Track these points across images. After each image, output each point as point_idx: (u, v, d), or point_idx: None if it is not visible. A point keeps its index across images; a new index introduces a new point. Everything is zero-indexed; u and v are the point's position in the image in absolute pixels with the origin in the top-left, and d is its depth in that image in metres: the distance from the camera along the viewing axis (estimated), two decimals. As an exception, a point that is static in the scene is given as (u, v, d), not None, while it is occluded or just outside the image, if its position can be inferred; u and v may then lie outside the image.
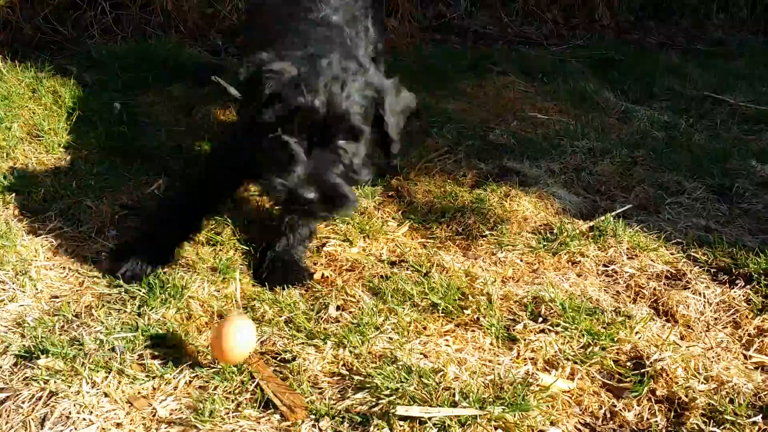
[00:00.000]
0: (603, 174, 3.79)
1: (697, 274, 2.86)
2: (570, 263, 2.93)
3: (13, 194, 3.01)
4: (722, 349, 2.47)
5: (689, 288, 2.75)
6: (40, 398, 2.05)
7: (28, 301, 2.46)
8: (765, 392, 2.21)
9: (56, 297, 2.51)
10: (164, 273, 2.60)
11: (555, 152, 3.95)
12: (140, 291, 2.51)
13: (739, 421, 2.08)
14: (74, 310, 2.42)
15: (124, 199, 3.08)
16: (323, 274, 2.77)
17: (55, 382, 2.08)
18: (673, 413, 2.15)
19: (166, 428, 2.01)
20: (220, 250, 2.85)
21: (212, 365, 2.22)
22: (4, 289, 2.50)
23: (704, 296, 2.70)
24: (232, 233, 2.94)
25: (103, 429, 1.99)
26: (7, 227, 2.78)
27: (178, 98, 3.98)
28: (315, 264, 2.84)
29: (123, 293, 2.52)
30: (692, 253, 3.00)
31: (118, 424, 2.00)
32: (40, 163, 3.26)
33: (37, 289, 2.52)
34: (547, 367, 2.31)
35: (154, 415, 2.05)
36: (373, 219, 3.16)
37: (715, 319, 2.61)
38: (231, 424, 2.02)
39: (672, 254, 2.99)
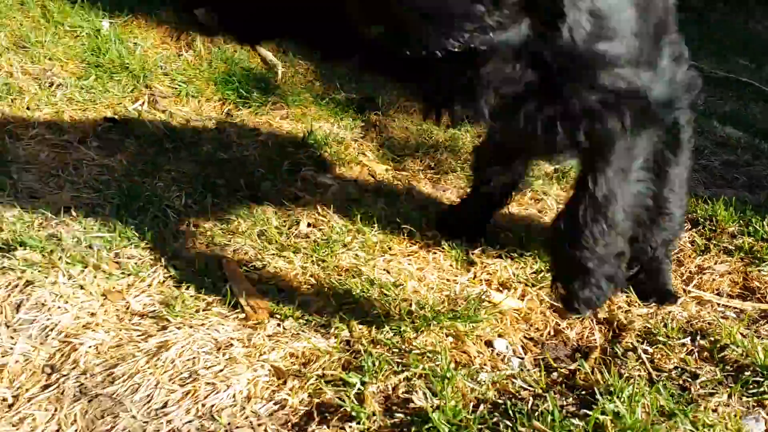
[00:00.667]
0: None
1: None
2: (533, 200, 3.07)
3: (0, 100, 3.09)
4: (666, 284, 2.64)
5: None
6: (16, 286, 2.15)
7: (8, 199, 2.56)
8: (696, 320, 2.39)
9: (35, 197, 2.61)
10: (142, 182, 2.71)
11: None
12: (117, 196, 2.62)
13: (669, 342, 2.25)
14: (53, 210, 2.52)
15: (107, 113, 3.17)
16: (297, 195, 2.89)
17: (32, 272, 2.19)
18: (611, 333, 2.32)
19: (138, 320, 2.14)
20: (199, 165, 2.96)
21: (186, 268, 2.35)
22: (-13, 187, 2.59)
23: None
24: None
25: (77, 317, 2.10)
26: (-7, 130, 2.87)
27: (165, 22, 4.02)
28: (290, 186, 2.96)
29: (101, 198, 2.62)
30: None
31: (92, 314, 2.12)
32: (25, 72, 3.32)
33: (17, 189, 2.62)
34: (501, 289, 2.46)
35: (127, 308, 2.18)
36: (350, 149, 3.27)
37: (663, 257, 2.78)
38: (200, 319, 2.15)
39: (630, 198, 3.14)
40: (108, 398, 1.87)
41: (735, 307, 2.57)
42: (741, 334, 2.31)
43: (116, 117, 3.17)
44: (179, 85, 3.58)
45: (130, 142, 3.05)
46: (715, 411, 1.99)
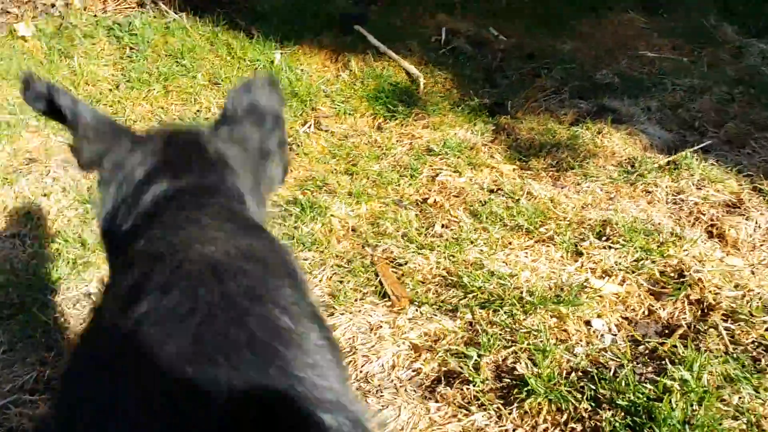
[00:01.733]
0: (700, 110, 4.17)
1: (756, 203, 3.29)
2: (644, 192, 3.45)
3: (201, 134, 3.92)
4: (762, 265, 2.95)
5: (744, 214, 3.20)
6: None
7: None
8: (782, 300, 2.71)
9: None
10: (312, 195, 3.42)
11: (655, 90, 4.36)
12: (295, 209, 3.34)
13: (752, 320, 2.60)
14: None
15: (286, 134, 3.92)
16: (435, 199, 3.48)
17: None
18: (699, 312, 2.71)
19: (312, 307, 2.84)
20: (355, 178, 3.62)
21: (347, 266, 3.02)
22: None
23: (757, 222, 3.15)
24: (365, 164, 3.70)
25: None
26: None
27: (326, 46, 4.73)
28: (429, 191, 3.55)
29: (283, 211, 3.36)
30: (758, 185, 3.42)
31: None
32: (219, 107, 4.15)
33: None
34: (603, 276, 2.91)
35: (304, 299, 2.88)
36: (480, 153, 3.80)
37: (763, 241, 3.07)
38: (357, 306, 2.81)
39: (739, 185, 3.42)
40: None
41: (830, 286, 2.84)
42: (824, 311, 2.61)
43: (290, 141, 3.91)
44: (338, 105, 4.27)
45: (301, 161, 3.77)
46: (780, 379, 2.35)
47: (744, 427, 2.20)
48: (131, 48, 4.57)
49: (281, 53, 4.63)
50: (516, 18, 5.31)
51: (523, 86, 4.39)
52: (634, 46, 4.98)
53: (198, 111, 4.13)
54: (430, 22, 5.10)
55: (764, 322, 2.61)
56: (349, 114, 4.22)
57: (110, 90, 4.26)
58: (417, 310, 2.79)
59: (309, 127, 4.06)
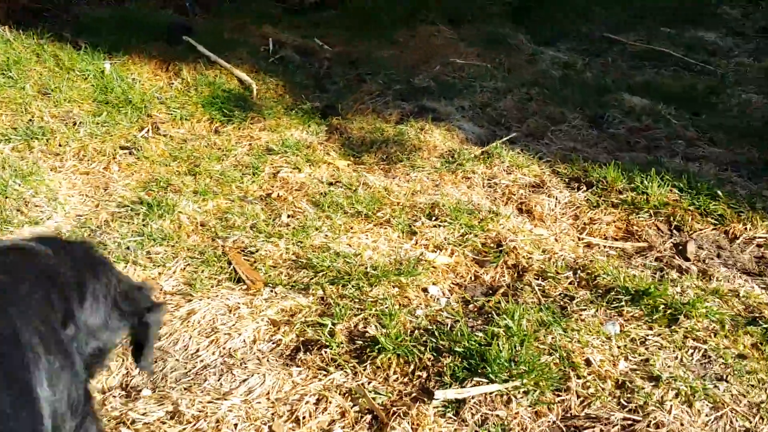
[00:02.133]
0: (504, 109, 4.74)
1: (555, 183, 3.85)
2: (464, 179, 3.90)
3: (35, 141, 3.89)
4: (563, 234, 3.47)
5: (546, 193, 3.73)
6: (81, 282, 2.98)
7: (60, 218, 3.38)
8: (581, 259, 3.23)
9: (80, 215, 3.43)
10: (158, 195, 3.53)
11: (467, 92, 4.88)
12: (143, 208, 3.44)
13: (558, 277, 3.08)
14: (95, 224, 3.34)
15: (121, 142, 3.98)
16: (278, 194, 3.71)
17: (90, 271, 3.02)
18: (516, 274, 3.16)
19: (170, 297, 2.97)
20: (199, 178, 3.77)
21: (200, 257, 3.18)
22: (42, 211, 3.41)
23: (557, 198, 3.69)
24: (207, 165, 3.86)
25: (127, 300, 2.93)
26: (36, 166, 3.68)
27: (156, 56, 4.81)
28: (272, 186, 3.77)
29: (130, 211, 3.45)
30: (556, 168, 3.99)
31: (137, 296, 2.95)
32: (52, 116, 4.12)
33: (65, 211, 3.44)
34: (435, 250, 3.29)
35: (161, 290, 3.01)
36: (317, 151, 4.09)
37: (562, 213, 3.61)
38: (214, 292, 2.98)
39: (541, 169, 3.97)
40: (157, 350, 2.70)
41: (617, 247, 3.41)
42: (613, 266, 3.15)
43: (128, 145, 3.97)
44: (173, 111, 4.38)
45: (142, 164, 3.86)
46: (583, 321, 2.83)
47: (557, 360, 2.63)
48: (-52, 59, 4.40)
49: (111, 63, 4.66)
50: (337, 29, 5.68)
51: (350, 90, 4.75)
52: (445, 54, 5.50)
53: (30, 120, 4.07)
54: (257, 33, 5.33)
55: (567, 278, 3.11)
56: (186, 119, 4.34)
57: (-72, 101, 4.08)
58: (272, 291, 3.00)
59: (147, 132, 4.14)
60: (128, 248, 3.19)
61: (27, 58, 4.51)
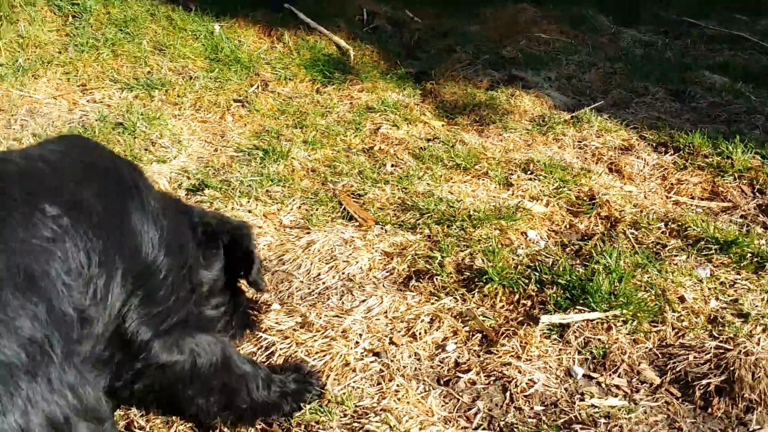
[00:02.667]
0: (589, 80, 4.92)
1: (643, 147, 4.03)
2: (554, 140, 4.10)
3: (155, 91, 4.23)
4: (651, 192, 3.65)
5: (635, 155, 3.92)
6: (208, 213, 3.29)
7: (184, 158, 3.70)
8: (671, 213, 3.41)
9: (201, 157, 3.74)
10: (270, 144, 3.82)
11: (552, 64, 5.08)
12: (259, 153, 3.73)
13: (650, 227, 3.28)
14: (217, 165, 3.65)
15: (234, 96, 4.29)
16: (380, 147, 3.97)
17: (217, 203, 3.33)
18: (609, 224, 3.36)
19: (290, 230, 3.26)
20: (306, 131, 4.05)
21: (313, 197, 3.45)
22: (167, 151, 3.73)
23: (645, 160, 3.87)
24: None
25: (250, 231, 3.22)
26: (160, 113, 4.01)
27: (260, 22, 5.12)
28: (373, 141, 4.03)
29: (247, 155, 3.75)
30: (643, 134, 4.16)
31: (260, 227, 3.25)
32: (169, 69, 4.46)
33: (188, 152, 3.76)
34: (531, 200, 3.51)
35: (281, 223, 3.29)
36: (414, 111, 4.34)
37: (650, 174, 3.79)
38: (329, 227, 3.26)
39: (628, 134, 4.16)
40: (282, 272, 2.99)
41: (703, 206, 3.58)
42: (702, 219, 3.33)
43: (241, 99, 4.28)
44: (278, 71, 4.68)
45: (254, 116, 4.16)
46: (675, 264, 3.03)
47: (653, 296, 2.83)
48: (74, 16, 4.77)
49: (220, 26, 4.98)
50: (426, 4, 5.91)
51: (441, 59, 4.98)
52: (530, 30, 5.70)
53: (149, 72, 4.41)
54: (352, 4, 5.60)
55: (659, 228, 3.30)
56: (289, 79, 4.64)
57: (59, 52, 4.45)
58: (382, 228, 3.26)
59: (257, 88, 4.44)
60: (250, 185, 3.49)
61: (142, 17, 4.86)
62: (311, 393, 2.35)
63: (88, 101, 4.11)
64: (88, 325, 1.56)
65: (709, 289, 2.93)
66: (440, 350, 2.62)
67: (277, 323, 2.71)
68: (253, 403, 2.21)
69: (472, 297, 2.85)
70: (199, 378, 2.02)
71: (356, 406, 2.32)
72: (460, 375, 2.52)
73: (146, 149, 3.73)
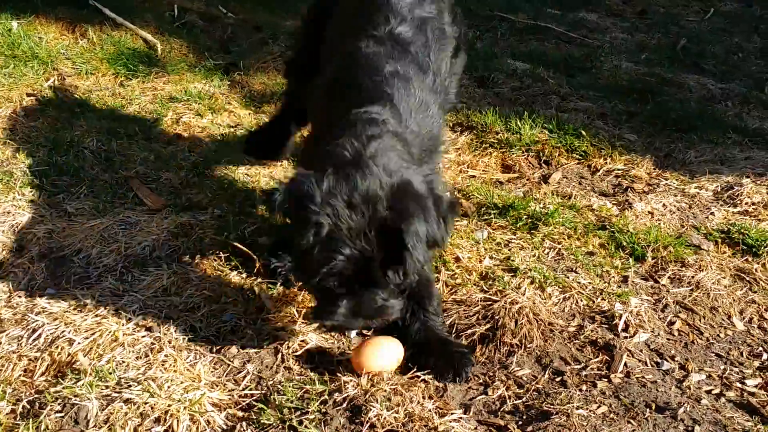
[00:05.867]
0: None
1: (440, 126, 4.20)
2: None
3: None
4: (445, 168, 3.81)
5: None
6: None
7: (-35, 154, 3.50)
8: (458, 184, 3.58)
9: (-15, 152, 3.56)
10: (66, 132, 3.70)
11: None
12: (46, 145, 3.60)
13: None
14: (4, 156, 3.48)
15: (28, 90, 4.12)
16: (180, 135, 3.92)
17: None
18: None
19: (74, 217, 3.15)
20: (105, 120, 3.94)
21: (104, 185, 3.36)
22: None
23: (440, 138, 4.04)
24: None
25: (33, 218, 3.10)
26: None
27: (62, 18, 4.94)
28: (175, 129, 3.99)
29: (34, 147, 3.60)
30: (442, 115, 4.34)
31: (41, 216, 3.12)
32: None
33: (-30, 147, 3.56)
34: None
35: (65, 212, 3.18)
36: (219, 100, 4.33)
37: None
38: (116, 212, 3.18)
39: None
40: (59, 258, 2.90)
41: (494, 179, 3.77)
42: (486, 189, 3.51)
43: (35, 93, 4.12)
44: (80, 66, 4.54)
45: (48, 110, 4.01)
46: (456, 229, 3.17)
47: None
48: None
49: (18, 23, 4.76)
50: (241, 0, 5.90)
51: (253, 51, 4.99)
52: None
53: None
54: (162, 0, 5.50)
55: (445, 197, 3.44)
56: (91, 73, 4.50)
57: None
58: (171, 211, 3.23)
59: (53, 83, 4.28)
60: (36, 177, 3.35)
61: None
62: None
63: None
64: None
65: (485, 249, 3.10)
66: (217, 320, 2.63)
67: (48, 305, 2.62)
68: None
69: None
70: None
71: (120, 378, 2.28)
72: (234, 341, 2.53)
73: None
